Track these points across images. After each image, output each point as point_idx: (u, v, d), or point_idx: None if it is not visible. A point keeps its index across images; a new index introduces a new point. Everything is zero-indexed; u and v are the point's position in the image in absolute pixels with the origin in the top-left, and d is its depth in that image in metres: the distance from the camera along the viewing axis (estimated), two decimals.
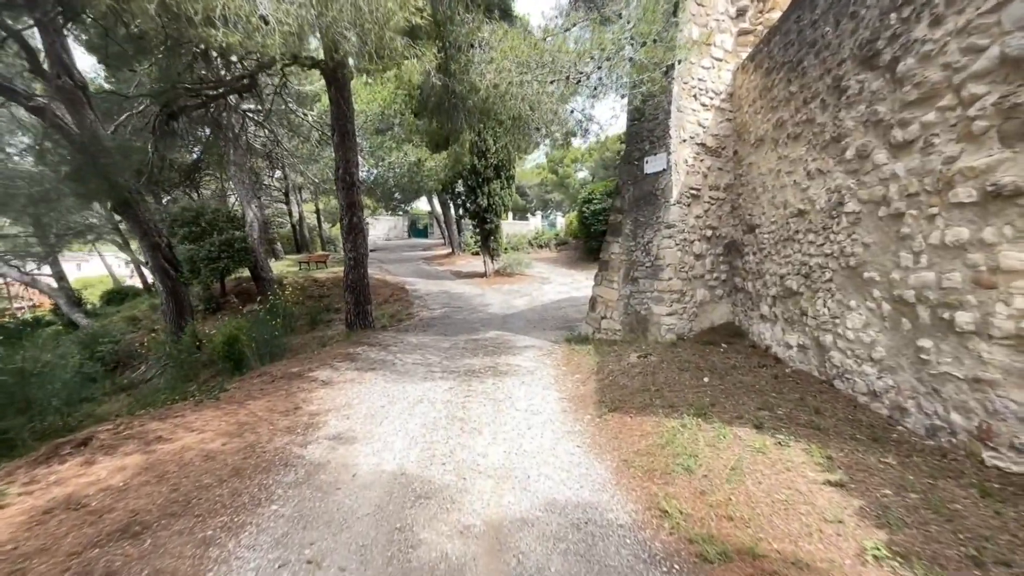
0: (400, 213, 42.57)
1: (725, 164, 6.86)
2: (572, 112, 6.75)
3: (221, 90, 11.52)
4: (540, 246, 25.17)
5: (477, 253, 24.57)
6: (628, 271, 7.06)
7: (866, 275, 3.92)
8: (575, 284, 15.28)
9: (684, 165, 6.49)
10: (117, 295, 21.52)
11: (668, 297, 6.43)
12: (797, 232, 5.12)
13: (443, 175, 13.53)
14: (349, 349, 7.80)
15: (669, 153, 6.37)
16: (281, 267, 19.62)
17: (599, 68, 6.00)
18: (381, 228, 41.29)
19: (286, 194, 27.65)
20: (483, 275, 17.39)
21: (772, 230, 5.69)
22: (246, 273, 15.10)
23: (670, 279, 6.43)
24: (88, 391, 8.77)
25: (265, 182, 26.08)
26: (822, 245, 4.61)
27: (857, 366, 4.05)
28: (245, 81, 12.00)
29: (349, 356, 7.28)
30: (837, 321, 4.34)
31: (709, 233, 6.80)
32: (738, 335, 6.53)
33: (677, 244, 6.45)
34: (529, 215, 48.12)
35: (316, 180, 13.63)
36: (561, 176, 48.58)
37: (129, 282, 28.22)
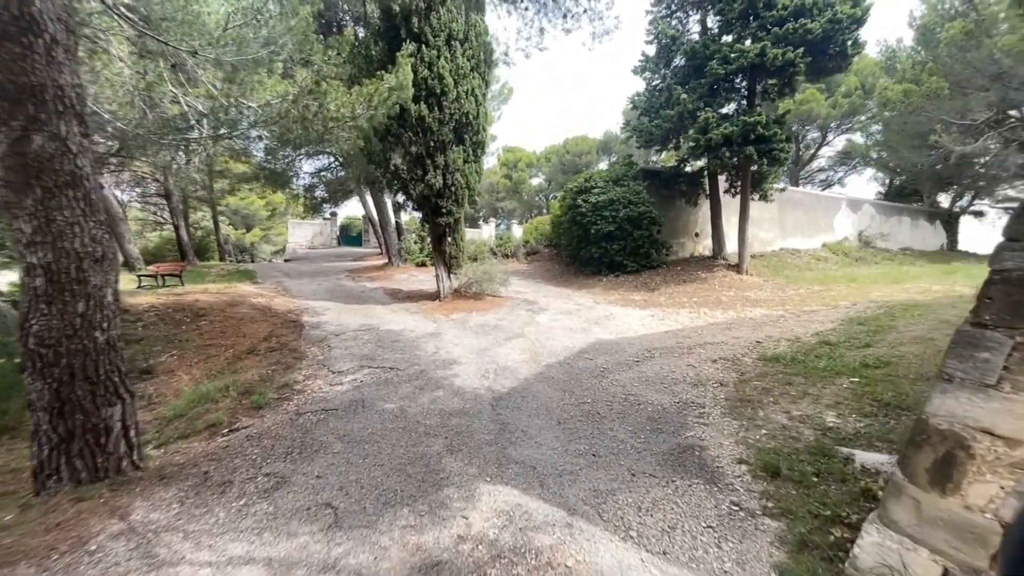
0: (328, 216, 35.30)
1: None
2: None
3: None
4: (506, 255, 19.42)
5: (423, 264, 18.16)
6: None
7: None
8: (586, 313, 9.54)
9: None
10: None
11: None
12: None
13: (364, 123, 7.38)
14: None
15: None
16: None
17: None
18: (302, 234, 33.84)
19: (164, 184, 19.99)
20: (435, 297, 11.18)
21: None
22: None
23: None
24: None
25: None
26: None
27: None
28: None
29: None
30: None
31: None
32: None
33: None
34: (482, 223, 42.52)
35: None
36: (515, 181, 43.53)
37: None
